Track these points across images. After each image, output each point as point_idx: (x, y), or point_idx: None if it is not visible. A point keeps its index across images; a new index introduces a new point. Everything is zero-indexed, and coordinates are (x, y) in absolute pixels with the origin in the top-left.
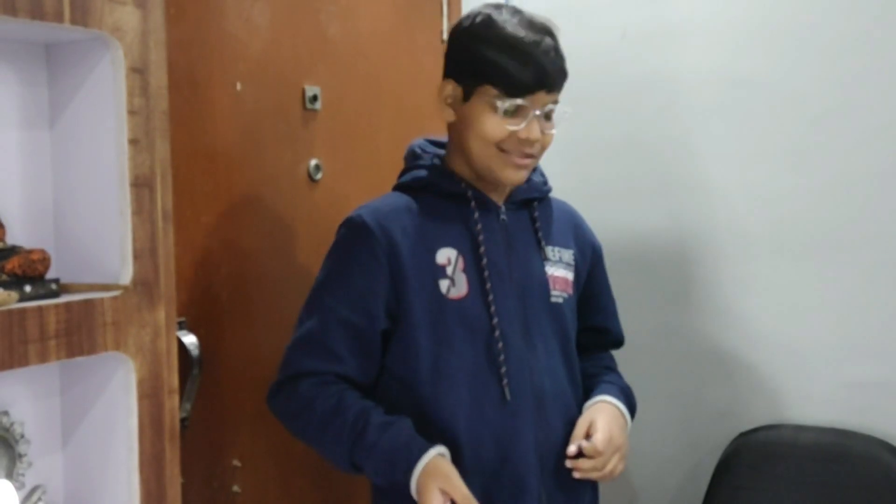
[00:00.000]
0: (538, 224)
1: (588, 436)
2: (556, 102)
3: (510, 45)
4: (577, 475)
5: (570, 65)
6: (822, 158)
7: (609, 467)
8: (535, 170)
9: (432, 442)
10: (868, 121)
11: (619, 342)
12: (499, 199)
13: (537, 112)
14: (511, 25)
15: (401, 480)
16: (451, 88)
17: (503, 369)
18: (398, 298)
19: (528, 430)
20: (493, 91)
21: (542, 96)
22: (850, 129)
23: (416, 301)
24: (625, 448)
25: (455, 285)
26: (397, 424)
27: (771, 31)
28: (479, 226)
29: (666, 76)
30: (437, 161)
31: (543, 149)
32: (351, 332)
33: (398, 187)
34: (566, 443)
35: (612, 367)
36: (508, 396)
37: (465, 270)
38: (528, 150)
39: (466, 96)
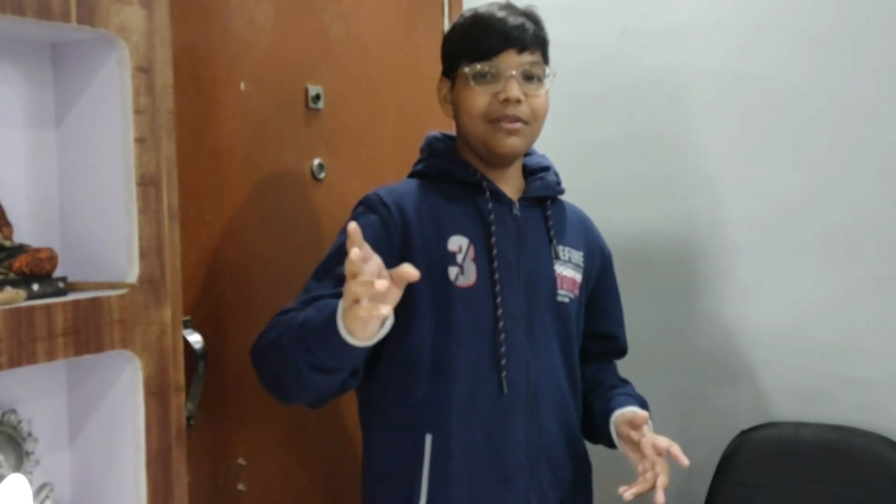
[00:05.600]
0: (551, 222)
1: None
2: (536, 64)
3: (474, 20)
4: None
5: (570, 63)
6: (823, 155)
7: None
8: (548, 169)
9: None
10: (868, 118)
11: (623, 351)
12: (513, 194)
13: (512, 72)
14: (483, 9)
15: (334, 332)
16: (443, 84)
17: (503, 362)
18: None
19: (520, 426)
20: (465, 66)
21: (511, 57)
22: (850, 126)
23: (424, 284)
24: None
25: (464, 273)
26: (320, 302)
27: (771, 28)
28: (493, 216)
29: (666, 74)
30: (451, 151)
31: (535, 114)
32: (335, 283)
33: (413, 174)
34: (560, 442)
35: (625, 380)
36: (506, 390)
37: (475, 260)
38: (513, 112)
39: (453, 85)
